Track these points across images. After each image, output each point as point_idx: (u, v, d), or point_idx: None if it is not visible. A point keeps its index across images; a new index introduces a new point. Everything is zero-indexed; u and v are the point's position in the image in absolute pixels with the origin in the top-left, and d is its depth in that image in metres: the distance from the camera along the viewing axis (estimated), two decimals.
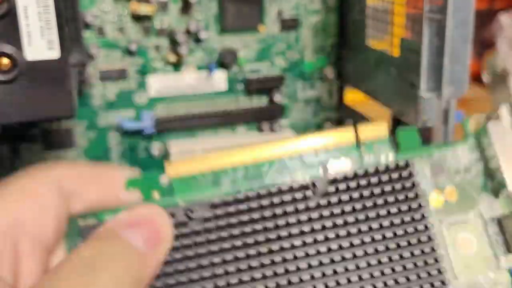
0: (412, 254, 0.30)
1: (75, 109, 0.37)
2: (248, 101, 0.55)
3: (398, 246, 0.30)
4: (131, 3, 0.49)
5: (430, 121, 0.44)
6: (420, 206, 0.30)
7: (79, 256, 0.26)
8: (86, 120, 0.51)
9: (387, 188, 0.30)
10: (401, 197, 0.30)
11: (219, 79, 0.54)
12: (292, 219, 0.30)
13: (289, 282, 0.30)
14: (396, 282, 0.29)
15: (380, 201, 0.30)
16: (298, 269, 0.30)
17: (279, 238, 0.30)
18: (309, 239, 0.30)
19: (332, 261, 0.30)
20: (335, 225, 0.30)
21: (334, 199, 0.30)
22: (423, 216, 0.30)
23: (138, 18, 0.50)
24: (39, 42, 0.34)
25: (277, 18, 0.54)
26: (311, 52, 0.56)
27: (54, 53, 0.35)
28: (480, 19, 1.29)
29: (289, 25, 0.54)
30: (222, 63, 0.53)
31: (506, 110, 0.30)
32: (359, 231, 0.30)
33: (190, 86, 0.53)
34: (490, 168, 0.31)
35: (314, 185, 0.30)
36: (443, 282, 0.29)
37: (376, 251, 0.30)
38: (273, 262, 0.30)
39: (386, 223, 0.30)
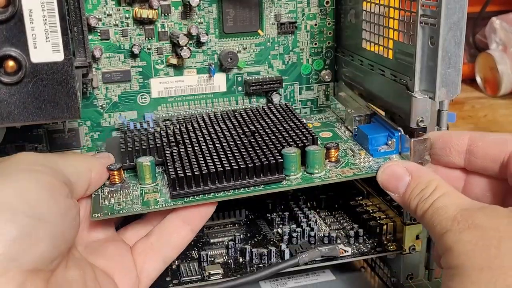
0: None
1: (80, 110, 0.37)
2: (247, 102, 0.56)
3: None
4: (134, 7, 0.50)
5: (424, 121, 0.45)
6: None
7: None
8: (90, 120, 0.53)
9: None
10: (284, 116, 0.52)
11: (219, 81, 0.55)
12: None
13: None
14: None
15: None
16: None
17: None
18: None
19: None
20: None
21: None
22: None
23: (140, 21, 0.51)
24: (44, 45, 0.35)
25: (275, 22, 0.55)
26: (308, 55, 0.57)
27: (58, 56, 0.36)
28: (472, 22, 1.29)
29: (287, 28, 0.55)
30: (222, 66, 0.54)
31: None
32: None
33: (191, 87, 0.54)
34: (338, 116, 0.57)
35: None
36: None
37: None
38: None
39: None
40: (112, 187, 0.44)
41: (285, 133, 0.48)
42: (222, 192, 0.43)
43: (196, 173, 0.42)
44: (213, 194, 0.43)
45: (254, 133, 0.48)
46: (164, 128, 0.50)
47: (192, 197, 0.42)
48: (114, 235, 0.45)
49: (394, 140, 0.46)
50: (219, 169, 0.42)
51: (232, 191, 0.43)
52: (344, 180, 0.45)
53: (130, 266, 0.42)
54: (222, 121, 0.51)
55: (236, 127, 0.50)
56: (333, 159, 0.46)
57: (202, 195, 0.42)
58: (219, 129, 0.50)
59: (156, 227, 0.44)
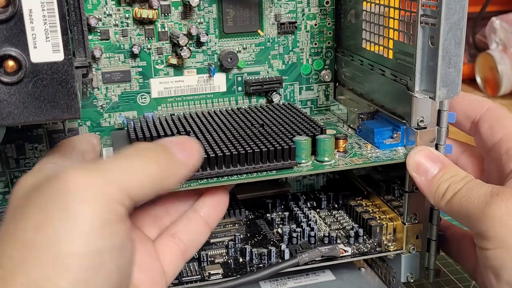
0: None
1: (80, 110, 0.37)
2: (247, 102, 0.56)
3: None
4: (134, 7, 0.50)
5: (424, 121, 0.45)
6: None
7: (135, 147, 0.35)
8: (90, 120, 0.53)
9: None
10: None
11: (219, 81, 0.55)
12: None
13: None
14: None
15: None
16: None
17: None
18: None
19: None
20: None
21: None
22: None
23: (140, 21, 0.51)
24: (44, 45, 0.35)
25: (275, 22, 0.55)
26: (308, 55, 0.57)
27: (58, 56, 0.36)
28: (472, 22, 1.29)
29: (287, 28, 0.55)
30: (222, 66, 0.54)
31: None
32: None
33: (191, 87, 0.54)
34: (339, 118, 0.58)
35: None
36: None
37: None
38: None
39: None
40: None
41: (293, 125, 0.49)
42: (236, 176, 0.44)
43: (211, 155, 0.43)
44: (227, 177, 0.44)
45: (263, 125, 0.50)
46: (171, 120, 0.51)
47: (206, 179, 0.43)
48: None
49: (400, 133, 0.47)
50: (233, 153, 0.44)
51: (245, 175, 0.44)
52: (354, 167, 0.47)
53: (157, 267, 0.40)
54: (229, 116, 0.52)
55: (244, 120, 0.51)
56: (341, 149, 0.47)
57: (216, 178, 0.43)
58: (227, 121, 0.51)
59: (177, 225, 0.42)
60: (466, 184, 0.41)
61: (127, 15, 0.51)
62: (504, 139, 0.44)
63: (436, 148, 0.46)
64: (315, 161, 0.46)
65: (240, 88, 0.56)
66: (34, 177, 0.33)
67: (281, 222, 0.55)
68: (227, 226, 0.54)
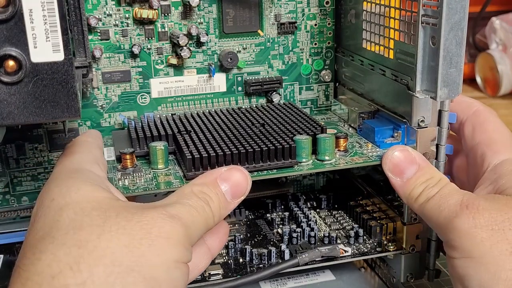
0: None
1: (80, 110, 0.37)
2: (247, 102, 0.56)
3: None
4: (134, 7, 0.50)
5: (425, 121, 0.45)
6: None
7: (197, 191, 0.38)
8: (90, 120, 0.53)
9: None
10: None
11: (219, 81, 0.55)
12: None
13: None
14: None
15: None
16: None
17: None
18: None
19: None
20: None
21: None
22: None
23: (140, 21, 0.51)
24: (44, 44, 0.35)
25: (275, 22, 0.55)
26: (308, 55, 0.57)
27: (59, 56, 0.36)
28: (472, 22, 1.29)
29: (287, 28, 0.55)
30: (222, 66, 0.54)
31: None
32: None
33: (191, 87, 0.54)
34: (339, 117, 0.58)
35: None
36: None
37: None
38: None
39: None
40: (124, 171, 0.45)
41: (294, 124, 0.50)
42: None
43: (212, 154, 0.43)
44: None
45: (264, 124, 0.50)
46: (172, 119, 0.51)
47: None
48: None
49: (400, 132, 0.47)
50: (234, 152, 0.44)
51: None
52: (354, 166, 0.47)
53: None
54: (230, 115, 0.52)
55: (245, 119, 0.51)
56: (342, 148, 0.47)
57: None
58: (228, 121, 0.51)
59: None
60: (440, 191, 0.41)
61: (127, 15, 0.50)
62: (482, 143, 0.45)
63: (437, 148, 0.45)
64: (316, 160, 0.46)
65: (240, 88, 0.56)
66: (100, 192, 0.35)
67: (281, 222, 0.54)
68: None
